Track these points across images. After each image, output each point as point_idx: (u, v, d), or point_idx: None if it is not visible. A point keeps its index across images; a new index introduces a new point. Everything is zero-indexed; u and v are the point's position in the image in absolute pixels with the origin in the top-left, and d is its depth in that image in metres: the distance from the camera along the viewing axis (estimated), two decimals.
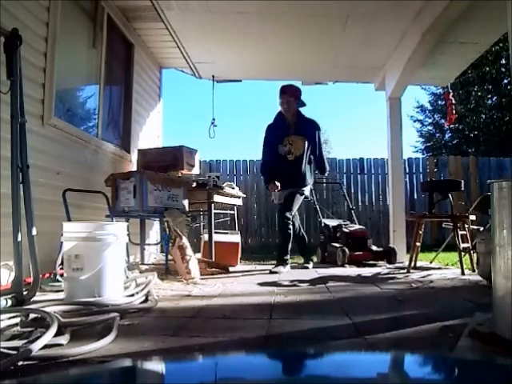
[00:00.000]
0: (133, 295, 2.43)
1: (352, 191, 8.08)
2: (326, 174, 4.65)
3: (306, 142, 4.25)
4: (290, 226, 4.13)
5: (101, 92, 4.16)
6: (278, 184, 4.18)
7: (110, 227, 2.55)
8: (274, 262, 4.34)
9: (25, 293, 2.20)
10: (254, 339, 1.78)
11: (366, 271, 4.08)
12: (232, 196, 4.98)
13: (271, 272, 3.98)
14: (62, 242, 2.45)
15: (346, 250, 4.62)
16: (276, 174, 4.24)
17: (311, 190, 5.46)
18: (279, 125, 4.33)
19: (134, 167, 4.74)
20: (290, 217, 4.14)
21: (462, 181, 4.54)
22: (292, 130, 4.27)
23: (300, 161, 4.22)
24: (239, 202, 5.34)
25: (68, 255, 2.38)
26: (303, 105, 4.38)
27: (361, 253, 4.73)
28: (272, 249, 6.07)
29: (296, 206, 4.24)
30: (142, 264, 4.12)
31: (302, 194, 4.27)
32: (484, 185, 7.54)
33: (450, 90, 5.82)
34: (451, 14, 3.80)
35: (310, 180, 4.35)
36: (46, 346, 1.49)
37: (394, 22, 4.46)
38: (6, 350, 1.44)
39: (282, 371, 0.77)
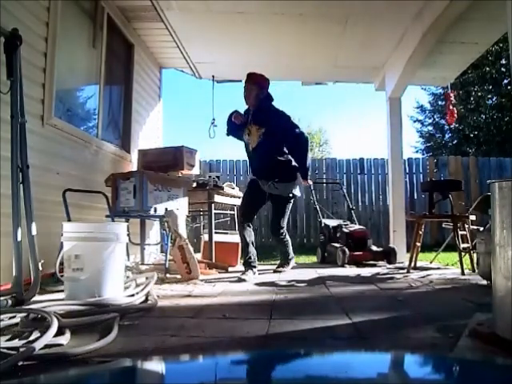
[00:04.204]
0: (133, 295, 2.43)
1: (352, 191, 8.08)
2: (305, 148, 4.04)
3: (263, 133, 3.87)
4: (287, 237, 4.12)
5: (101, 92, 4.16)
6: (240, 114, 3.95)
7: (110, 227, 2.55)
8: (277, 262, 4.39)
9: (25, 293, 2.20)
10: (254, 339, 1.78)
11: (366, 271, 4.08)
12: (232, 196, 4.98)
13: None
14: (62, 242, 2.46)
15: (346, 250, 4.62)
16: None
17: (311, 190, 5.44)
18: (246, 113, 4.02)
19: (134, 167, 4.74)
20: (284, 230, 4.06)
21: (462, 181, 4.55)
22: (251, 119, 3.94)
23: (257, 152, 3.92)
24: (239, 202, 5.33)
25: (68, 255, 2.39)
26: (269, 98, 3.99)
27: (361, 253, 4.73)
28: (272, 249, 6.06)
29: (286, 217, 4.06)
30: (142, 264, 4.13)
31: (289, 201, 4.03)
32: (484, 185, 7.53)
33: (451, 90, 5.82)
34: (451, 13, 3.80)
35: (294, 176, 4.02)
36: (46, 346, 1.49)
37: (394, 22, 4.46)
38: (5, 350, 1.44)
39: (282, 371, 0.77)
